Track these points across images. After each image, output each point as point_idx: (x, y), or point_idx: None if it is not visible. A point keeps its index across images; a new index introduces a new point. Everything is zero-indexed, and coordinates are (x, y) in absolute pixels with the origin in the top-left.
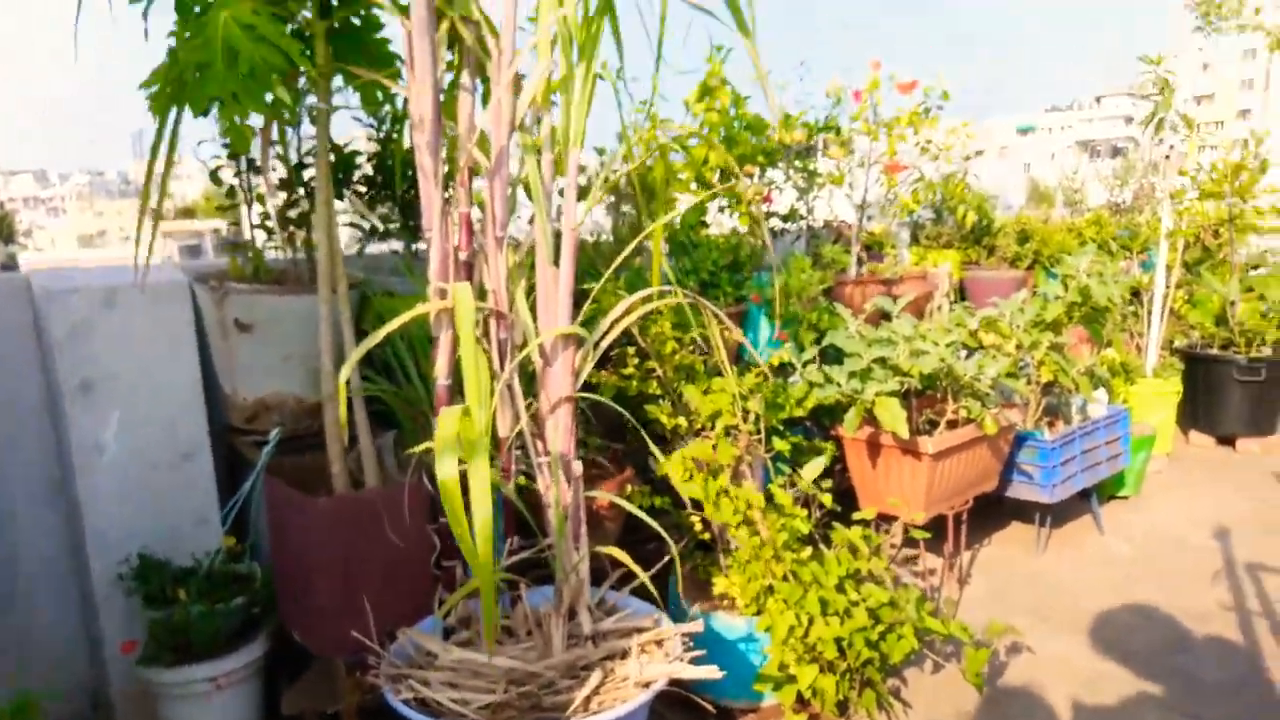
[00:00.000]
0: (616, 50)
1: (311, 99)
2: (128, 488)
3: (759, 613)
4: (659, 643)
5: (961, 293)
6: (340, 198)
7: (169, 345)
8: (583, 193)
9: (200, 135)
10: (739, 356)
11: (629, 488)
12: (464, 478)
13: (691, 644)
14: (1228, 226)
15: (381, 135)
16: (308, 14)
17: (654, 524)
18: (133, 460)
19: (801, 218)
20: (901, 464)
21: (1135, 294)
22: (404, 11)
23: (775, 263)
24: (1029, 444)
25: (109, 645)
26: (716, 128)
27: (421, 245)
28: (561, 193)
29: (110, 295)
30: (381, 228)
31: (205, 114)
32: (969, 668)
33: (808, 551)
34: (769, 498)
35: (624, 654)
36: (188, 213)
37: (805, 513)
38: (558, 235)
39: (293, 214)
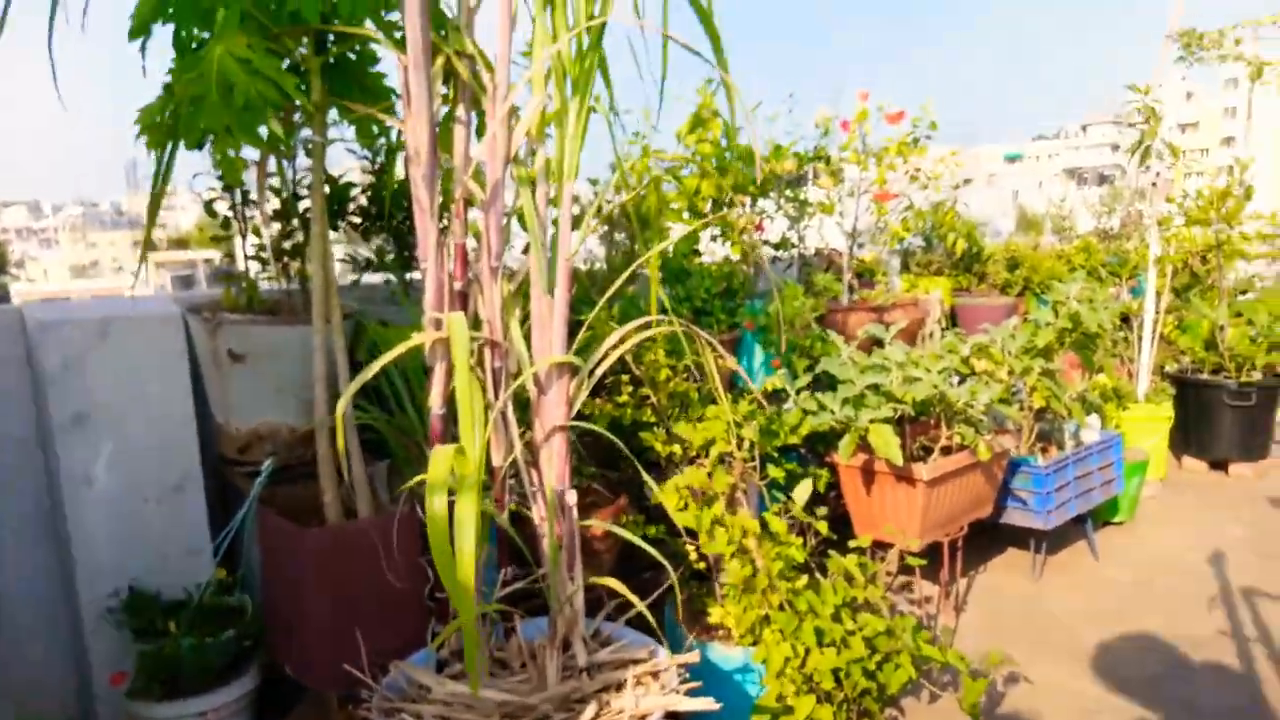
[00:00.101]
0: (606, 85)
1: (307, 132)
2: (118, 520)
3: (755, 643)
4: (655, 674)
5: (953, 319)
6: (335, 228)
7: (162, 377)
8: (577, 222)
9: (195, 168)
10: (733, 383)
11: (623, 517)
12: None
13: (688, 675)
14: (1215, 252)
15: (376, 167)
16: (304, 50)
17: (653, 550)
18: (124, 492)
19: (793, 246)
20: (896, 491)
21: (1125, 320)
22: (400, 47)
23: (776, 281)
24: (1023, 470)
25: (98, 678)
26: (708, 158)
27: (415, 275)
28: (556, 222)
29: (104, 327)
30: (376, 259)
31: (199, 147)
32: (966, 698)
33: (803, 580)
34: (764, 525)
35: (619, 686)
36: (181, 243)
37: (800, 541)
38: (552, 264)
39: (287, 245)
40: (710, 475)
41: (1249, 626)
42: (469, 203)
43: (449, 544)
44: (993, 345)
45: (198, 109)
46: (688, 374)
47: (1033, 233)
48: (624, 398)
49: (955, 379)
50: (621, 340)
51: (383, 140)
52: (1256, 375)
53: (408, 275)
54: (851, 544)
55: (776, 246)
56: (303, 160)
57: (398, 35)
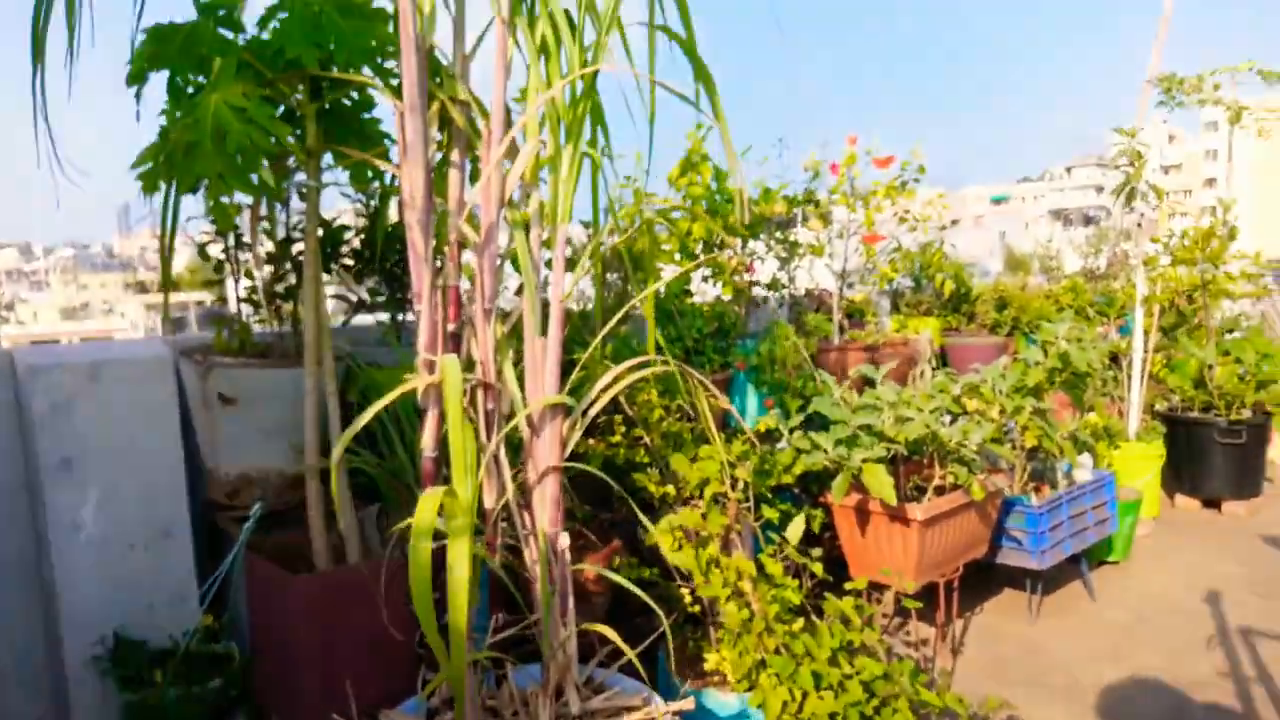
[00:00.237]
0: (602, 131)
1: (301, 176)
2: (105, 566)
3: (751, 688)
4: None
5: (943, 359)
6: (328, 271)
7: (151, 421)
8: (570, 264)
9: (188, 211)
10: (725, 423)
11: (617, 559)
12: (444, 554)
13: None
14: (1201, 292)
15: (370, 210)
16: (300, 95)
17: (645, 597)
18: (110, 538)
19: (783, 287)
20: (891, 531)
21: (1114, 359)
22: (396, 93)
23: (773, 312)
24: (1017, 509)
25: None
26: (699, 201)
27: (408, 316)
28: (549, 264)
29: (94, 371)
30: (369, 300)
31: (193, 191)
32: None
33: (800, 623)
34: (760, 567)
35: None
36: (172, 285)
37: (796, 583)
38: (545, 306)
39: (280, 288)
40: (705, 516)
41: (1248, 666)
42: (463, 245)
43: (430, 592)
44: (983, 385)
45: (191, 155)
46: (681, 414)
47: (1020, 273)
48: (617, 438)
49: (947, 418)
50: (614, 380)
51: (376, 184)
52: (1246, 413)
53: (400, 316)
54: (847, 585)
55: (767, 287)
56: (296, 203)
57: (394, 82)
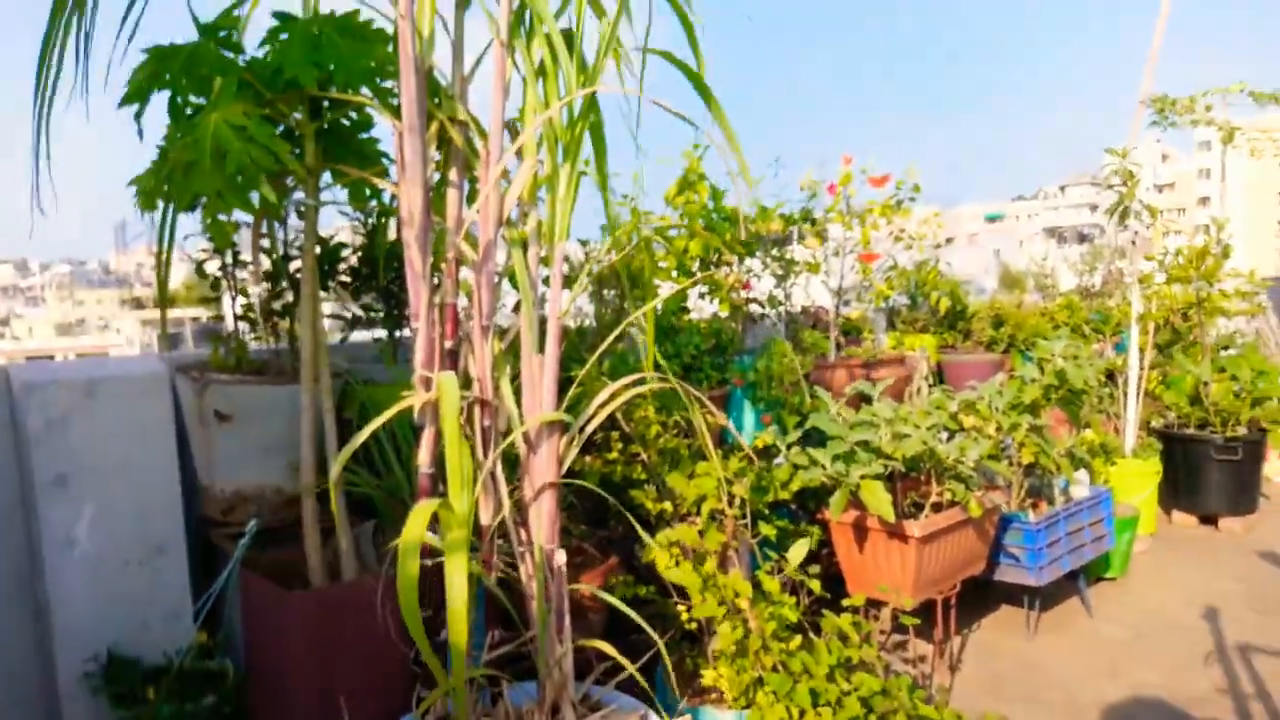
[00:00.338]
0: (597, 150)
1: (300, 194)
2: (98, 583)
3: (749, 706)
4: None
5: (939, 376)
6: (325, 289)
7: (147, 437)
8: (568, 281)
9: (185, 228)
10: (722, 439)
11: (613, 576)
12: (440, 571)
13: None
14: (1196, 309)
15: (367, 228)
16: (299, 115)
17: (638, 619)
18: (105, 555)
19: (780, 304)
20: (889, 547)
21: (1110, 376)
22: (395, 113)
23: (770, 329)
24: (1014, 526)
25: None
26: (695, 219)
27: (405, 333)
28: (546, 281)
29: (90, 387)
30: (365, 317)
31: (191, 210)
32: None
33: (797, 640)
34: (757, 584)
35: None
36: (168, 301)
37: (794, 600)
38: (543, 323)
39: (277, 305)
40: (702, 533)
41: (1246, 683)
42: (460, 263)
43: (418, 606)
44: (980, 402)
45: (191, 174)
46: (678, 430)
47: (1016, 290)
48: (614, 454)
49: (944, 435)
50: (612, 397)
51: (374, 202)
52: (1242, 430)
53: (397, 333)
54: (845, 602)
55: (764, 304)
56: (294, 221)
57: (393, 102)
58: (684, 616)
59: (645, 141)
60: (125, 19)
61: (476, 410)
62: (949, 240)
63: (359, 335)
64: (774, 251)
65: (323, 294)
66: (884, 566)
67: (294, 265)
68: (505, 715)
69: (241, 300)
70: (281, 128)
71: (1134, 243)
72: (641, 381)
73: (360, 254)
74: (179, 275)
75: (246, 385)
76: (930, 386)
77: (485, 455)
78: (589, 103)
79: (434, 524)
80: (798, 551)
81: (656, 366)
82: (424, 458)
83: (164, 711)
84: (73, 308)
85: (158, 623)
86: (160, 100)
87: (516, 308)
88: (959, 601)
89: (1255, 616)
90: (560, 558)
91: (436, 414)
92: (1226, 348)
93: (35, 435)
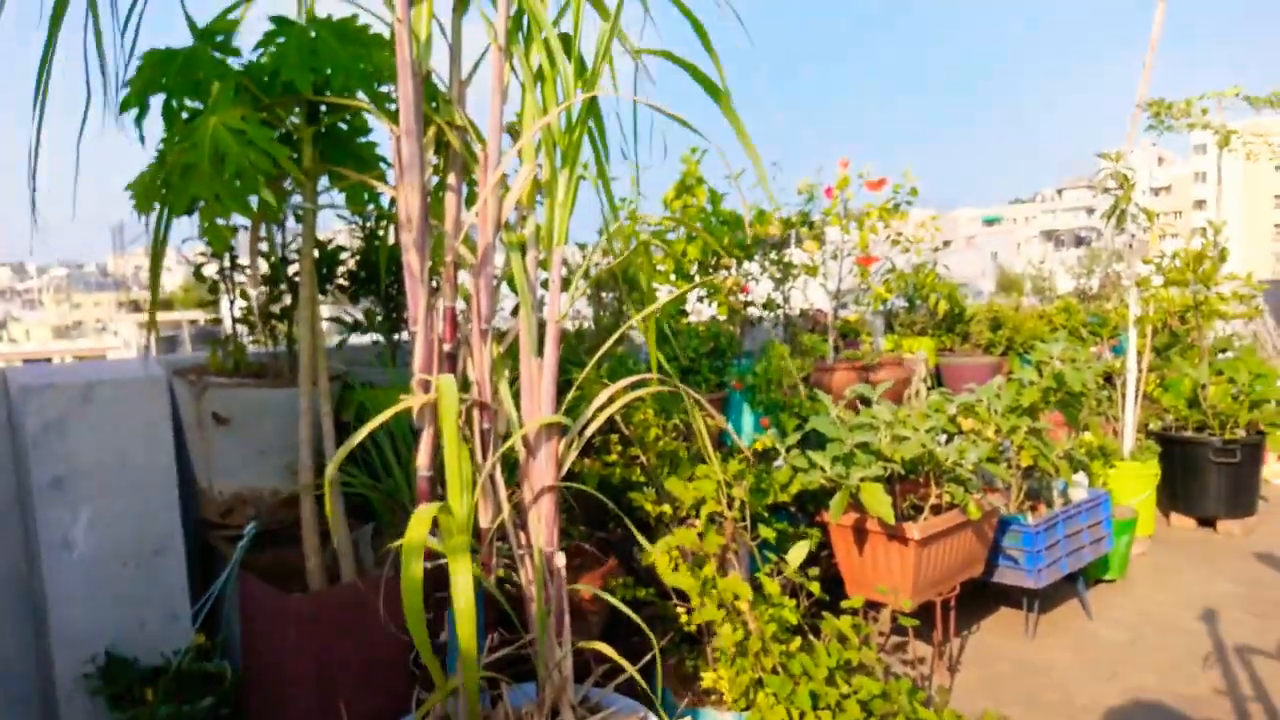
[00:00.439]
0: (596, 154)
1: (298, 198)
2: (96, 585)
3: (748, 708)
4: None
5: (937, 379)
6: (323, 292)
7: (145, 440)
8: (566, 285)
9: (184, 231)
10: (721, 442)
11: (612, 579)
12: (444, 574)
13: None
14: (1194, 312)
15: (365, 232)
16: (296, 119)
17: (638, 620)
18: (102, 557)
19: (778, 307)
20: (888, 550)
21: (1108, 379)
22: (392, 118)
23: (768, 332)
24: (1013, 528)
25: None
26: (693, 222)
27: (403, 336)
28: (545, 284)
29: (87, 391)
30: (364, 321)
31: (188, 213)
32: None
33: (797, 642)
34: (757, 587)
35: None
36: (165, 304)
37: (794, 602)
38: (541, 326)
39: (275, 308)
40: (701, 536)
41: (1245, 685)
42: (459, 266)
43: (423, 609)
44: (979, 404)
45: (188, 177)
46: (677, 433)
47: (1013, 293)
48: (613, 457)
49: (943, 438)
50: (610, 400)
51: (372, 206)
52: (1240, 432)
53: (396, 337)
54: (844, 604)
55: (762, 307)
56: (292, 224)
57: (390, 106)
58: (684, 619)
59: (644, 144)
60: (126, 23)
61: (475, 413)
62: (947, 243)
63: (358, 339)
64: (772, 255)
65: (321, 297)
66: (883, 568)
67: (292, 268)
68: (505, 717)
69: (240, 303)
70: (279, 132)
71: (1131, 246)
72: (640, 384)
73: (358, 258)
74: (177, 278)
75: (244, 388)
76: (928, 389)
77: (484, 458)
78: (587, 107)
79: (433, 527)
80: (797, 553)
81: (658, 369)
82: (423, 460)
83: (161, 712)
84: (70, 310)
85: (156, 624)
86: (157, 104)
87: (515, 311)
88: (958, 603)
89: (1253, 619)
90: (560, 560)
91: (435, 417)
92: (1224, 350)
93: (32, 438)
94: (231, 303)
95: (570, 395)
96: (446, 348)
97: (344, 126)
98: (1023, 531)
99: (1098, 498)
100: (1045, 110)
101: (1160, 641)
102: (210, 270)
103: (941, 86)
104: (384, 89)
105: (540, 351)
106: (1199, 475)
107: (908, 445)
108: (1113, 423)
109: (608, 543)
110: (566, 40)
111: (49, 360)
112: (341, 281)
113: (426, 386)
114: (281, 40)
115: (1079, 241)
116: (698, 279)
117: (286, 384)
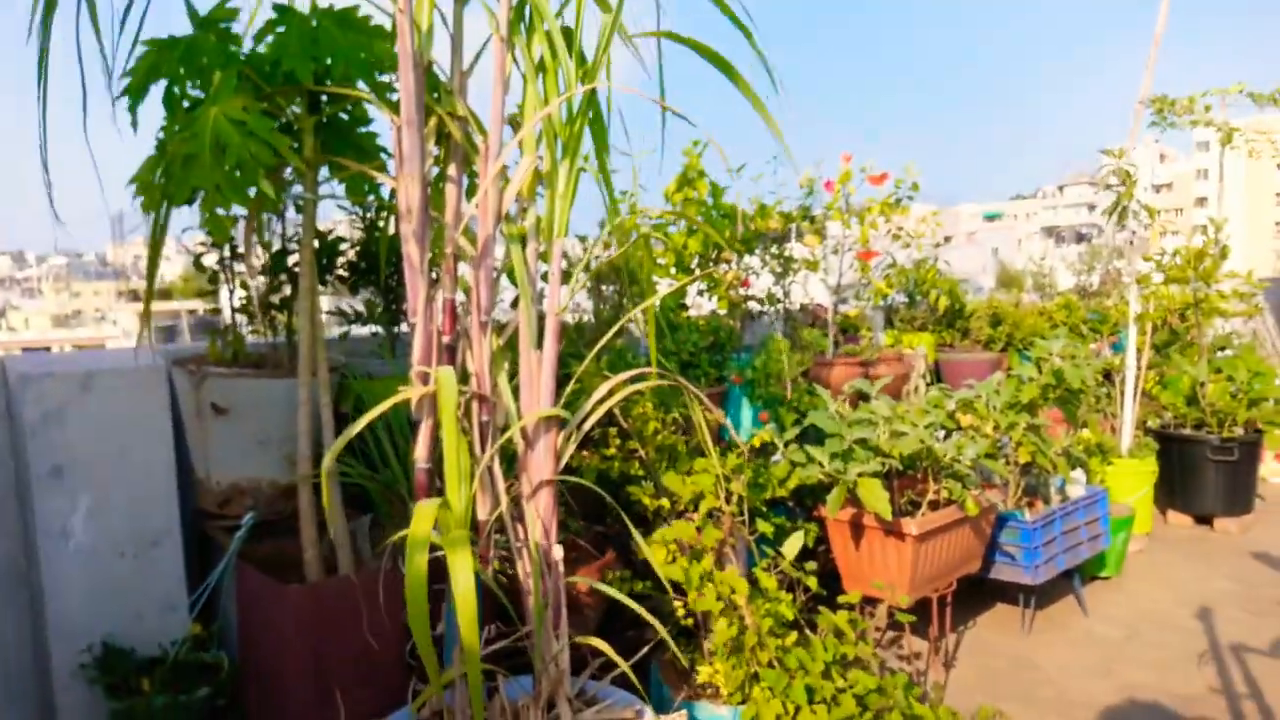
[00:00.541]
0: (597, 146)
1: (298, 188)
2: (94, 575)
3: (744, 701)
4: None
5: (937, 374)
6: (323, 283)
7: (143, 430)
8: (566, 277)
9: (184, 221)
10: (720, 436)
11: (609, 572)
12: (440, 566)
13: None
14: (1194, 310)
15: (365, 223)
16: (296, 109)
17: (640, 609)
18: (100, 547)
19: (778, 301)
20: (885, 545)
21: (1107, 376)
22: (393, 108)
23: (768, 326)
24: (1010, 525)
25: None
26: (695, 216)
27: (403, 328)
28: (545, 277)
29: (86, 380)
30: (364, 313)
31: (189, 203)
32: None
33: (793, 637)
34: (754, 581)
35: None
36: (164, 294)
37: (790, 597)
38: (541, 319)
39: (275, 299)
40: (699, 529)
41: (1240, 683)
42: (459, 258)
43: (426, 603)
44: (978, 400)
45: (189, 167)
46: (676, 427)
47: (1013, 289)
48: (612, 450)
49: (941, 433)
50: (609, 393)
51: (372, 197)
52: (1238, 430)
53: (395, 329)
54: (841, 599)
55: (762, 302)
56: (292, 215)
57: (392, 97)
58: (680, 612)
59: (646, 135)
60: (126, 13)
61: (474, 405)
62: (947, 239)
63: (357, 331)
64: (773, 249)
65: (321, 288)
66: (880, 564)
67: (292, 259)
68: (501, 710)
69: (239, 293)
70: (279, 121)
71: (1132, 243)
72: (640, 378)
73: (358, 249)
74: (177, 267)
75: (243, 378)
76: (928, 385)
77: (483, 451)
78: (589, 98)
79: None
80: (792, 545)
81: (657, 363)
82: (421, 453)
83: (158, 702)
84: (69, 299)
85: (153, 614)
86: (156, 92)
87: (515, 303)
88: (954, 599)
89: (1249, 617)
90: (557, 553)
91: (434, 409)
92: (1223, 348)
93: (31, 427)
94: (231, 293)
95: (569, 388)
96: (446, 340)
97: (345, 117)
98: (1020, 528)
99: (1095, 495)
100: (1047, 107)
101: (1156, 639)
102: (210, 260)
103: (943, 84)
104: (385, 79)
105: (540, 344)
106: (1197, 473)
107: (906, 441)
108: (1111, 420)
109: (605, 536)
110: (568, 32)
111: (48, 349)
112: (341, 272)
113: (425, 378)
114: (282, 29)
115: (1080, 238)
116: (698, 272)
117: (285, 375)
